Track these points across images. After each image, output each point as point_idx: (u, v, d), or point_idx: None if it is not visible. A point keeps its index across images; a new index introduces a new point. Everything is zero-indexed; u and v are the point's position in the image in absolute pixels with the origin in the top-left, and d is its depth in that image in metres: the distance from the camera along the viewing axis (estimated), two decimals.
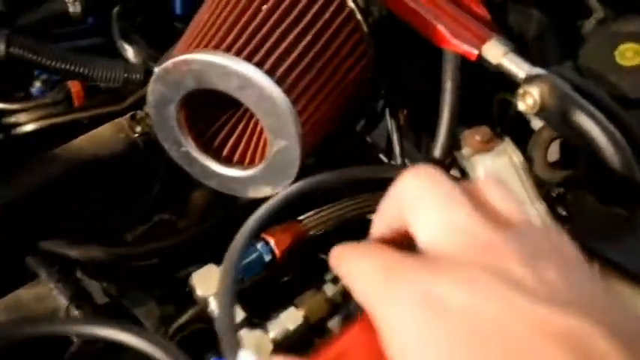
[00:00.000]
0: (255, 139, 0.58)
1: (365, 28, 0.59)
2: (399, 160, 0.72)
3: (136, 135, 0.72)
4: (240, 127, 0.59)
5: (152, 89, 0.55)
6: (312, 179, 0.51)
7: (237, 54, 0.50)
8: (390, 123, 0.74)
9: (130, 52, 0.71)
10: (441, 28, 0.48)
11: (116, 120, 0.74)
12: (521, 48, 0.78)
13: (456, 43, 0.47)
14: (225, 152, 0.59)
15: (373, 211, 0.33)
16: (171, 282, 0.60)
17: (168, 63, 0.52)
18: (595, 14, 0.55)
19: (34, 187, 0.67)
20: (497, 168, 0.51)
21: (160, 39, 0.82)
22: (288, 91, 0.51)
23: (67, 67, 0.68)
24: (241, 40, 0.51)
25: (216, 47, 0.51)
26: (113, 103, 0.75)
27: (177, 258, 0.63)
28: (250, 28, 0.52)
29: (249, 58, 0.50)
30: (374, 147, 0.85)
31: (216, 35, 0.52)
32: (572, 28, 0.74)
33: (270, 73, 0.50)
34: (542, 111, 0.43)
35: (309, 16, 0.54)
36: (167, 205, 0.80)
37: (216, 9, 0.55)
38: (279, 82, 0.50)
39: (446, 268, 0.24)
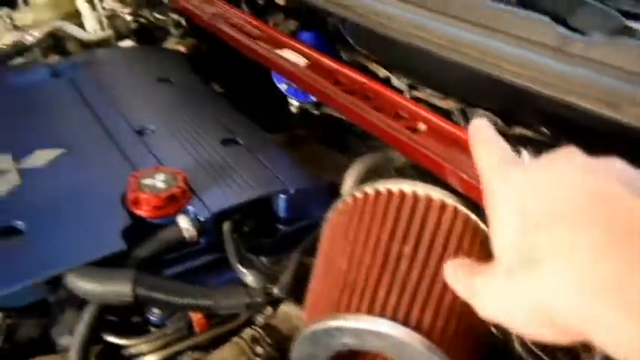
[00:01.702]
0: None
1: (481, 225, 0.57)
2: None
3: (258, 357, 0.71)
4: None
5: (298, 348, 0.54)
6: None
7: (393, 317, 0.49)
8: None
9: (249, 277, 0.71)
10: None
11: (235, 341, 0.73)
12: None
13: None
14: None
15: None
16: None
17: (319, 327, 0.51)
18: None
19: None
20: None
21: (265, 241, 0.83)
22: (449, 350, 0.48)
23: (194, 301, 0.68)
24: (393, 300, 0.50)
25: (369, 310, 0.50)
26: (229, 321, 0.75)
27: None
28: (399, 282, 0.51)
29: (405, 322, 0.49)
30: None
31: (364, 295, 0.51)
32: None
33: (429, 334, 0.48)
34: None
35: (439, 249, 0.53)
36: None
37: (352, 261, 0.54)
38: (440, 343, 0.48)
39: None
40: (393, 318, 0.49)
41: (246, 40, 0.89)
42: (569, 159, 0.39)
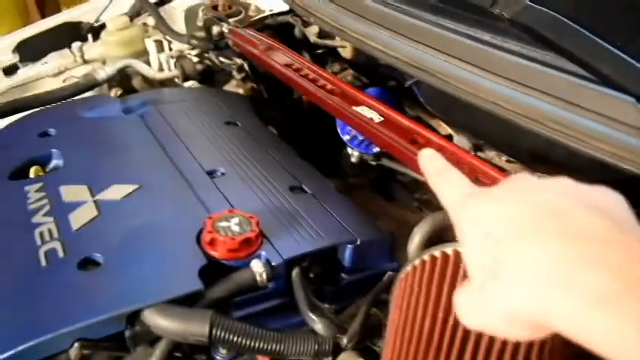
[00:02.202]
0: None
1: None
2: None
3: None
4: None
5: None
6: None
7: None
8: None
9: (318, 325, 0.73)
10: None
11: None
12: None
13: None
14: None
15: None
16: None
17: None
18: None
19: None
20: None
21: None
22: None
23: (266, 346, 0.69)
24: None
25: None
26: None
27: None
28: (484, 345, 0.52)
29: None
30: None
31: (450, 358, 0.52)
32: None
33: None
34: None
35: None
36: None
37: (435, 322, 0.56)
38: None
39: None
40: None
41: (321, 94, 0.93)
42: (522, 181, 0.44)
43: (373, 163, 1.14)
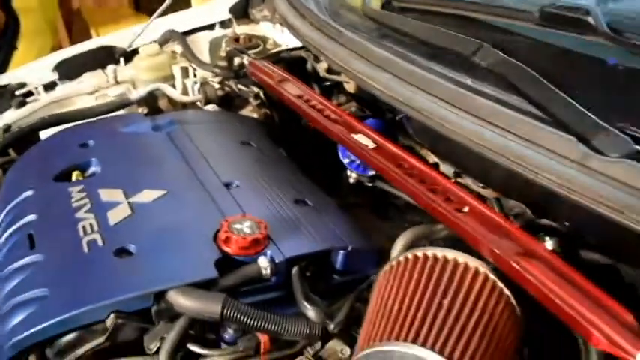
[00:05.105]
0: None
1: (505, 290, 0.74)
2: None
3: None
4: None
5: None
6: None
7: (432, 348, 0.65)
8: None
9: (310, 311, 0.88)
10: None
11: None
12: None
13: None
14: None
15: None
16: None
17: (374, 350, 0.67)
18: None
19: None
20: None
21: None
22: None
23: (266, 325, 0.84)
24: (432, 336, 0.66)
25: (414, 341, 0.66)
26: (288, 347, 0.90)
27: None
28: (438, 323, 0.67)
29: (441, 352, 0.65)
30: None
31: (411, 330, 0.67)
32: None
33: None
34: None
35: (470, 304, 0.70)
36: None
37: (402, 305, 0.71)
38: None
39: None
40: (432, 348, 0.65)
41: (325, 122, 1.09)
42: None
43: (369, 184, 1.29)
